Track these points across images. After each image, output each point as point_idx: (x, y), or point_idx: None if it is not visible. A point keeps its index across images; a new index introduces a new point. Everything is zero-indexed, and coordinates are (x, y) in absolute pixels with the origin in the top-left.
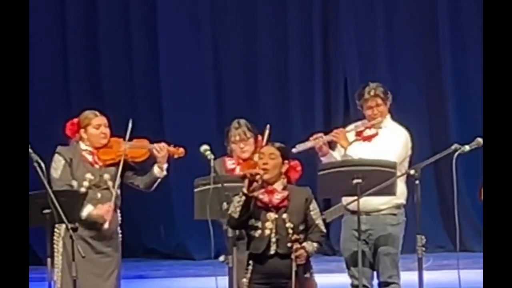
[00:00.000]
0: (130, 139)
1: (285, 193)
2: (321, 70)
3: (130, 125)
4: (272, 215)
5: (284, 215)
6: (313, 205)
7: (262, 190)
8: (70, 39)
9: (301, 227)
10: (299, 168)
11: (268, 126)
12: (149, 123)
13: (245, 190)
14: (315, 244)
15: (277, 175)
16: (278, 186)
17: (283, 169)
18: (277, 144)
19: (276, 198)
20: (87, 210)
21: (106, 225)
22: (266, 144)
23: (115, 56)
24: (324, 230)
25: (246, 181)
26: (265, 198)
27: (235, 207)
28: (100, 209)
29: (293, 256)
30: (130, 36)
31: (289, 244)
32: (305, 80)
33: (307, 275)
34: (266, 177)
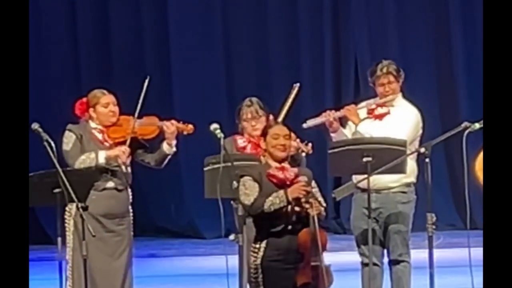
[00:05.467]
0: (140, 117)
1: (296, 169)
2: (331, 48)
3: (146, 82)
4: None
5: None
6: (314, 183)
7: (273, 169)
8: (80, 17)
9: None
10: None
11: (297, 84)
12: (159, 101)
13: (290, 198)
14: (322, 209)
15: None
16: (285, 164)
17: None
18: (284, 125)
19: (290, 174)
20: (102, 155)
21: (123, 168)
22: (292, 103)
23: (124, 34)
24: (324, 205)
25: (299, 196)
26: (280, 174)
27: (270, 205)
28: (115, 150)
29: (308, 206)
30: (140, 14)
31: (303, 200)
32: (315, 58)
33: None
34: (285, 155)
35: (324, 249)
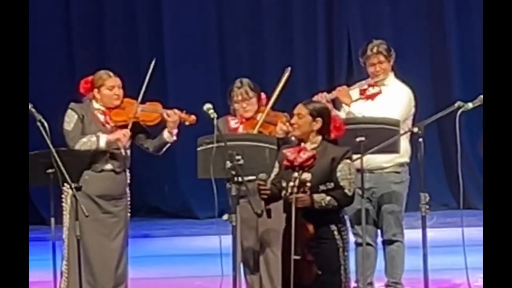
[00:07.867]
0: (144, 102)
1: (312, 152)
2: (324, 29)
3: (152, 64)
4: (296, 175)
5: (305, 175)
6: (341, 166)
7: (291, 148)
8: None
9: (323, 187)
10: (338, 124)
11: (289, 68)
12: (152, 82)
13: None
14: (327, 198)
15: (307, 134)
16: (309, 145)
17: (315, 127)
18: (311, 105)
19: (301, 157)
20: (103, 139)
21: (122, 151)
22: (283, 87)
23: (118, 17)
24: (348, 193)
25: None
26: (291, 156)
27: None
28: (115, 134)
29: (293, 196)
30: None
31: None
32: (308, 39)
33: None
34: (296, 133)
35: (306, 243)
